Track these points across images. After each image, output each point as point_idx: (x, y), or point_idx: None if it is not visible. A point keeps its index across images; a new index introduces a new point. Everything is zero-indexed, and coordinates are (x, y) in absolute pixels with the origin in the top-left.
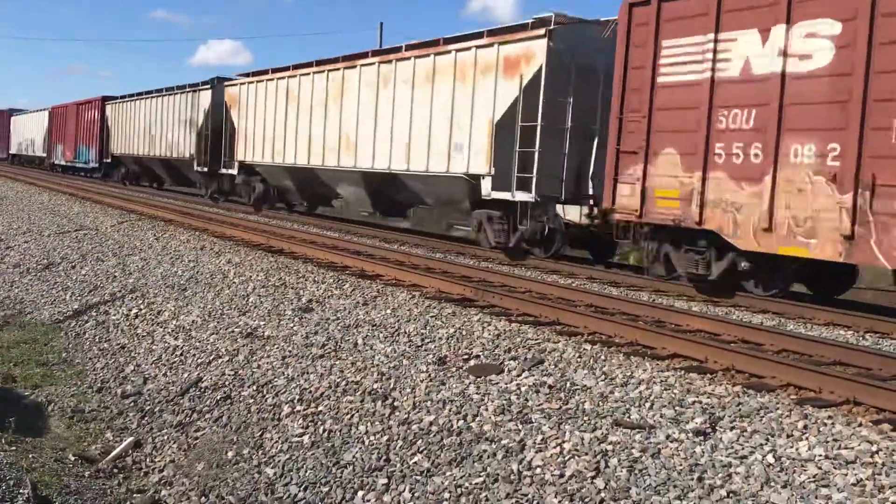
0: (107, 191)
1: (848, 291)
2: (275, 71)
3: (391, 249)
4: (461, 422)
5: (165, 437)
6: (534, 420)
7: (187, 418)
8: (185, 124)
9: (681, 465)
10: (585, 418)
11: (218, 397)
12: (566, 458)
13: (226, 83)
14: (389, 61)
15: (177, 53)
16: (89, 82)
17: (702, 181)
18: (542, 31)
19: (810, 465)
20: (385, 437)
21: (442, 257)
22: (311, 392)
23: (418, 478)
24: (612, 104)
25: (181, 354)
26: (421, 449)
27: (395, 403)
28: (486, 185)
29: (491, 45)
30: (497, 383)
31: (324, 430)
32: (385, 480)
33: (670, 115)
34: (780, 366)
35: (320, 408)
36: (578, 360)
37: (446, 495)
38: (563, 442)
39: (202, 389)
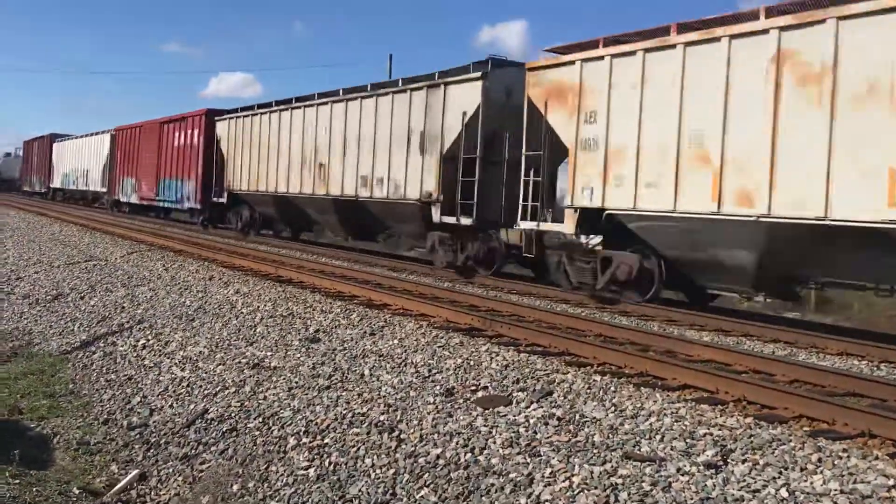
0: (116, 222)
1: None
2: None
3: (398, 278)
4: (469, 455)
5: (171, 470)
6: (542, 453)
7: (193, 450)
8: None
9: (692, 498)
10: (595, 451)
11: (224, 429)
12: (575, 493)
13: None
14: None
15: (190, 86)
16: (103, 115)
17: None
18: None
19: (825, 501)
20: (391, 471)
21: (450, 286)
22: (317, 424)
23: None
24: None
25: (188, 386)
26: (428, 483)
27: (402, 436)
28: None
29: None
30: (505, 415)
31: (330, 463)
32: None
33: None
34: (792, 397)
35: (326, 440)
36: (588, 391)
37: None
38: (573, 475)
39: (208, 421)
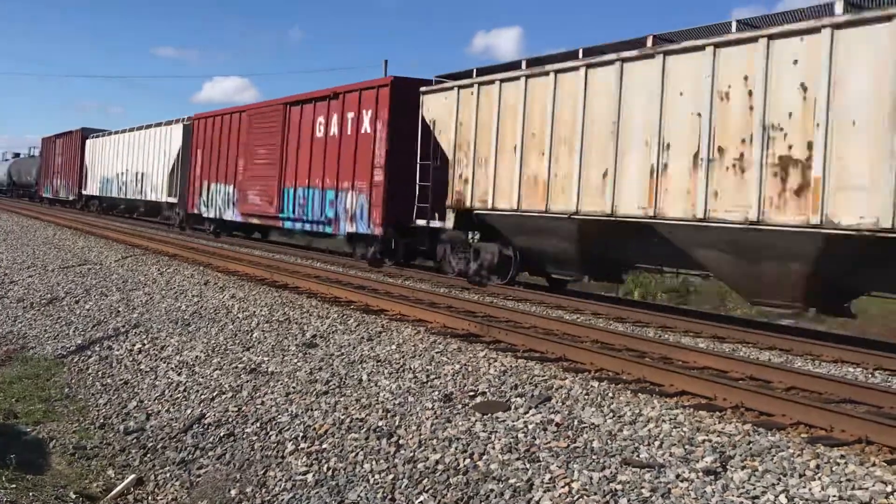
0: (111, 225)
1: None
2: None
3: (395, 284)
4: (468, 460)
5: (168, 475)
6: (541, 458)
7: (190, 455)
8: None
9: None
10: (594, 457)
11: (221, 434)
12: (575, 498)
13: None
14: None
15: (184, 90)
16: (98, 117)
17: None
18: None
19: None
20: (390, 476)
21: (446, 292)
22: (315, 429)
23: None
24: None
25: (184, 390)
26: (427, 488)
27: (401, 441)
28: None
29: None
30: (504, 421)
31: (328, 469)
32: None
33: None
34: (790, 404)
35: (324, 445)
36: (586, 397)
37: None
38: (572, 481)
39: (205, 426)
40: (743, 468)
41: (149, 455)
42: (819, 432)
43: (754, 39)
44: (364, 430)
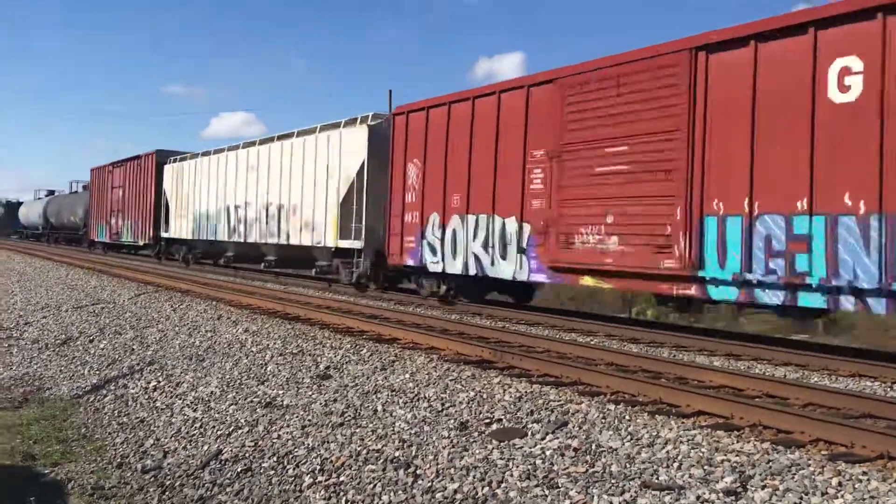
0: (123, 263)
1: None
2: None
3: (406, 311)
4: (486, 489)
5: None
6: (560, 484)
7: (208, 492)
8: None
9: None
10: (613, 481)
11: (239, 469)
12: None
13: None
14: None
15: (192, 126)
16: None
17: None
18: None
19: None
20: None
21: (458, 318)
22: (332, 462)
23: None
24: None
25: (201, 426)
26: None
27: (418, 471)
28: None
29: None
30: (521, 447)
31: (346, 501)
32: None
33: None
34: (808, 420)
35: (342, 478)
36: (603, 420)
37: None
38: None
39: (223, 462)
40: (763, 487)
41: (167, 493)
42: (839, 449)
43: None
44: (381, 461)
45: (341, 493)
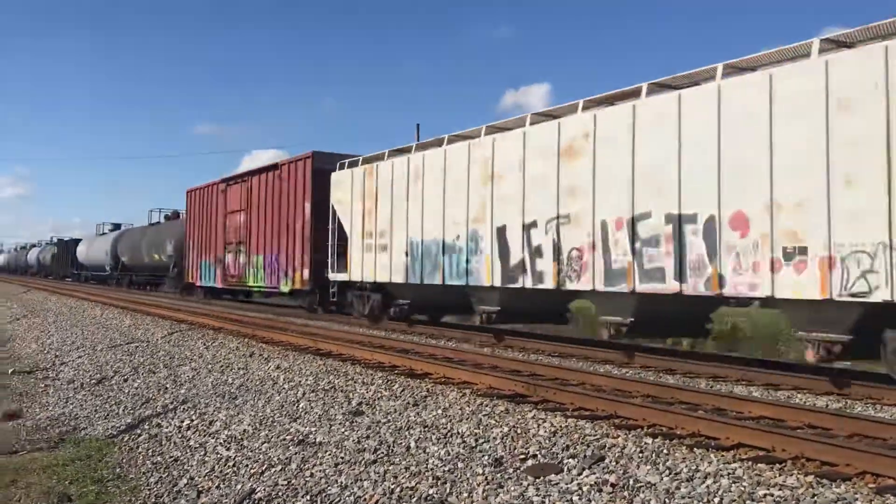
0: (158, 302)
1: None
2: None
3: (438, 346)
4: None
5: None
6: None
7: None
8: None
9: None
10: None
11: None
12: None
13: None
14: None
15: (224, 166)
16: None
17: None
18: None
19: None
20: None
21: (490, 352)
22: (365, 500)
23: None
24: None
25: (234, 465)
26: None
27: None
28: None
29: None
30: (557, 483)
31: None
32: None
33: None
34: (853, 452)
35: None
36: (640, 454)
37: None
38: None
39: (256, 501)
40: None
41: None
42: (888, 481)
43: None
44: (415, 499)
45: None
